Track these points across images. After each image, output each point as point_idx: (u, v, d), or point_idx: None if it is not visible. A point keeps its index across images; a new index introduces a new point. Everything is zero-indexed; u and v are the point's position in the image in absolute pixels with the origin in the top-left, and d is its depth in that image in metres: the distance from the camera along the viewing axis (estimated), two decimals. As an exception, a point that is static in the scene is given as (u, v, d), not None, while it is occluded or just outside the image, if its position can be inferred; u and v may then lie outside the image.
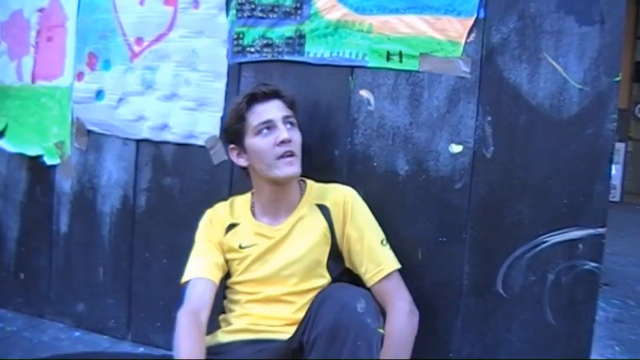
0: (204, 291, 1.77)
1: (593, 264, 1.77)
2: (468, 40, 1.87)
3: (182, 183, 2.31)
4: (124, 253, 2.45)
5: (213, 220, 1.91)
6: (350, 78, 2.01)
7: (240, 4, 2.14)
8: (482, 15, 1.86)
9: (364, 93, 2.00)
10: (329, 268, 1.83)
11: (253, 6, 2.12)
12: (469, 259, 1.90)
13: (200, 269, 1.82)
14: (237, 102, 1.83)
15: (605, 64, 1.75)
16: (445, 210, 1.93)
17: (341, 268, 1.86)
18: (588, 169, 1.78)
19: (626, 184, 7.53)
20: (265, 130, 1.77)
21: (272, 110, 1.79)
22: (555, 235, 1.80)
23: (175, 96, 2.27)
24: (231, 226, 1.89)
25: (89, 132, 2.48)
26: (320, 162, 2.02)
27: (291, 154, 1.77)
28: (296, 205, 1.86)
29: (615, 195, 7.15)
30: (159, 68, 2.29)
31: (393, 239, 1.87)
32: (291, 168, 1.77)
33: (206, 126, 2.18)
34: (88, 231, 2.53)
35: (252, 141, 1.79)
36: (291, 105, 1.85)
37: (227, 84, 2.17)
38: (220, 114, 2.18)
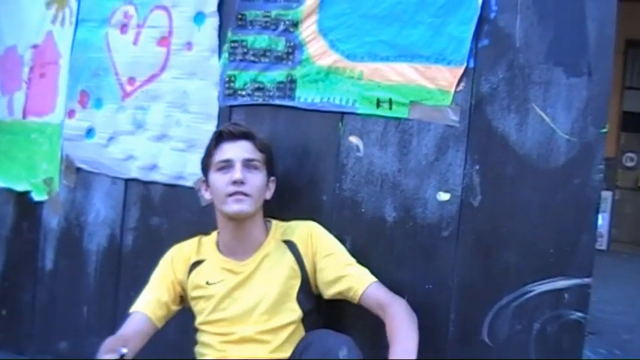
0: (136, 324, 1.80)
1: (579, 314, 1.77)
2: (458, 89, 1.89)
3: (170, 223, 2.30)
4: (110, 291, 2.42)
5: (174, 258, 1.93)
6: (340, 124, 2.02)
7: (233, 48, 2.16)
8: (472, 64, 1.89)
9: (354, 139, 2.01)
10: (299, 302, 1.84)
11: (246, 50, 2.14)
12: (455, 306, 1.90)
13: (141, 304, 1.86)
14: (211, 139, 1.89)
15: (593, 115, 1.78)
16: (432, 257, 1.93)
17: (312, 301, 1.89)
18: (575, 218, 1.79)
19: (613, 232, 7.57)
20: (224, 168, 1.82)
21: (235, 150, 1.83)
22: (542, 284, 1.80)
23: (166, 136, 2.27)
24: (196, 264, 1.91)
25: (78, 169, 2.48)
26: (308, 206, 2.03)
27: (242, 194, 1.80)
28: (262, 243, 1.88)
29: (602, 243, 7.17)
30: (150, 108, 2.30)
31: (380, 285, 1.86)
32: (238, 205, 1.79)
33: (195, 167, 2.16)
34: (74, 268, 2.51)
35: (213, 176, 1.85)
36: (262, 148, 1.88)
37: (217, 126, 2.17)
38: (210, 155, 2.18)
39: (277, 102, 2.10)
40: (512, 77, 1.85)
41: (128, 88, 2.35)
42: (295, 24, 2.08)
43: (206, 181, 1.90)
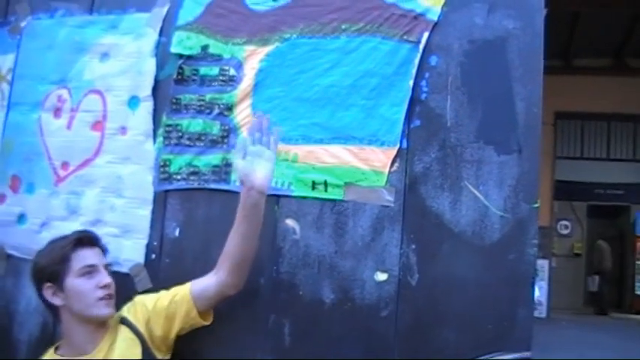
0: None
1: (520, 388, 1.76)
2: (392, 170, 1.92)
3: (105, 310, 2.23)
4: (41, 383, 2.32)
5: None
6: (275, 207, 2.02)
7: (168, 132, 2.16)
8: (405, 145, 1.93)
9: (290, 222, 2.00)
10: None
11: (180, 134, 2.14)
12: (397, 387, 1.88)
13: None
14: (61, 245, 1.90)
15: (524, 191, 1.83)
16: (371, 337, 1.91)
17: None
18: (512, 293, 1.81)
19: (552, 299, 7.70)
20: (89, 273, 1.86)
21: (96, 256, 1.90)
22: (481, 360, 1.79)
23: (100, 222, 2.22)
24: None
25: (9, 256, 2.40)
26: (245, 290, 1.99)
27: (109, 297, 1.87)
28: (104, 334, 1.90)
29: (542, 311, 7.29)
30: (84, 193, 2.26)
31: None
32: (110, 309, 1.87)
33: (131, 253, 2.14)
34: (2, 360, 2.40)
35: (74, 282, 1.85)
36: (104, 254, 1.96)
37: (153, 211, 2.15)
38: (145, 241, 2.15)
39: (213, 186, 2.09)
40: (445, 156, 1.89)
41: (61, 173, 2.31)
42: (230, 107, 2.09)
43: (54, 287, 1.87)
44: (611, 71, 7.38)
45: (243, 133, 2.05)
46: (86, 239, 1.91)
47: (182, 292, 1.90)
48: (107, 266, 1.92)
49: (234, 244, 1.85)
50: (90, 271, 1.86)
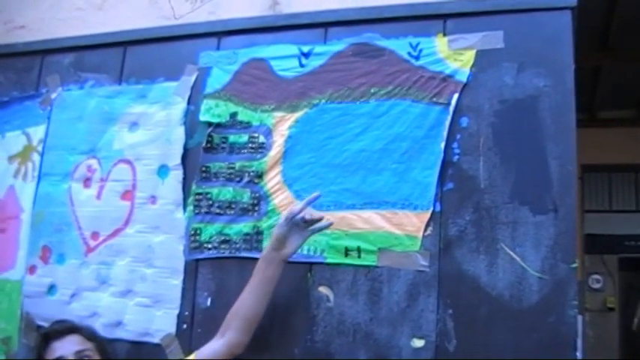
0: None
1: None
2: (426, 234, 1.90)
3: (137, 382, 2.20)
4: None
5: None
6: (308, 274, 1.99)
7: (198, 201, 2.16)
8: (438, 208, 1.90)
9: (323, 289, 1.97)
10: None
11: (211, 202, 2.14)
12: None
13: None
14: (36, 341, 1.97)
15: (562, 252, 1.79)
16: (411, 406, 1.86)
17: None
18: (553, 357, 1.75)
19: (588, 355, 7.52)
20: None
21: (65, 346, 1.89)
22: None
23: (130, 292, 2.21)
24: None
25: (39, 327, 2.38)
26: (280, 360, 1.97)
27: None
28: None
29: (578, 369, 7.13)
30: (114, 263, 2.25)
31: None
32: None
33: (162, 324, 2.12)
34: None
35: None
36: (90, 337, 1.97)
37: (184, 280, 2.14)
38: (177, 311, 2.12)
39: (244, 254, 2.07)
40: (479, 219, 1.87)
41: (92, 243, 2.31)
42: (260, 175, 2.09)
43: None
44: (636, 122, 7.34)
45: (274, 200, 2.05)
46: (53, 332, 1.94)
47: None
48: (83, 352, 1.90)
49: (250, 304, 1.85)
50: None
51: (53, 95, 2.53)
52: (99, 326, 2.24)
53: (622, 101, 6.94)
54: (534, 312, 1.78)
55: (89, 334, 1.96)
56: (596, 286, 8.12)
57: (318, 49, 2.13)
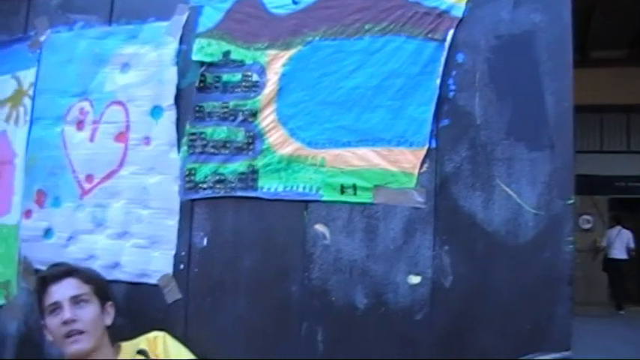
0: None
1: (562, 388, 1.73)
2: (422, 171, 1.89)
3: (134, 322, 2.20)
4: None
5: None
6: (304, 212, 1.99)
7: (192, 141, 2.14)
8: (434, 145, 1.90)
9: (319, 227, 1.98)
10: None
11: (205, 142, 2.12)
12: (434, 392, 1.84)
13: None
14: (36, 285, 1.96)
15: (558, 188, 1.79)
16: (406, 342, 1.88)
17: None
18: (549, 292, 1.77)
19: (577, 293, 7.66)
20: (54, 311, 1.85)
21: (60, 291, 1.86)
22: (520, 362, 1.76)
23: (127, 234, 2.21)
24: None
25: (37, 271, 2.38)
26: (277, 298, 1.98)
27: (77, 333, 1.82)
28: None
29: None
30: (109, 205, 2.25)
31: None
32: (76, 345, 1.81)
33: (159, 264, 2.12)
34: (35, 376, 2.39)
35: (47, 320, 1.87)
36: (87, 280, 1.92)
37: (179, 221, 2.14)
38: (173, 251, 2.13)
39: (240, 193, 2.07)
40: (475, 155, 1.86)
41: (86, 186, 2.30)
42: (254, 114, 2.07)
43: (45, 325, 1.90)
44: (628, 62, 7.30)
45: (269, 139, 2.03)
46: (49, 277, 1.91)
47: None
48: (79, 297, 1.87)
49: None
50: (54, 308, 1.84)
51: (42, 38, 2.48)
52: (96, 268, 2.24)
53: (615, 41, 6.90)
54: (530, 248, 1.79)
55: (86, 277, 1.93)
56: (587, 226, 8.20)
57: (311, -15, 2.09)
